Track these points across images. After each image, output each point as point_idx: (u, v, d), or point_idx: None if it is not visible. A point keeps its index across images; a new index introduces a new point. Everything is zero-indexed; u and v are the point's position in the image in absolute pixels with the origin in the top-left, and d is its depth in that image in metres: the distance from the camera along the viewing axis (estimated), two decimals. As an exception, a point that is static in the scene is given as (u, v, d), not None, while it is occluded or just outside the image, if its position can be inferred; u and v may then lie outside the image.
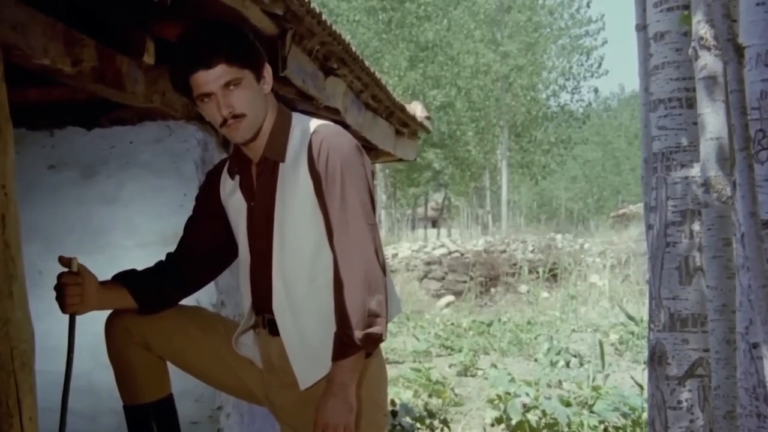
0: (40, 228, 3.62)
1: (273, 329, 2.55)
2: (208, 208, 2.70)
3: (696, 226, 2.74)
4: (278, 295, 2.51)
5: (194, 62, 2.35)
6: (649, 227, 2.94)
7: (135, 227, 3.67)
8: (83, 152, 3.78)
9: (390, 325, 10.37)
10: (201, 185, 2.78)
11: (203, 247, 2.71)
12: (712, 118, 2.48)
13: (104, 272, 3.68)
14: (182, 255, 2.73)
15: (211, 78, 2.35)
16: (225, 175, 2.65)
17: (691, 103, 2.73)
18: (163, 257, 2.75)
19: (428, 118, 6.77)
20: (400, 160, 7.06)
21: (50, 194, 3.73)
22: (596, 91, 42.24)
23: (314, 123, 2.54)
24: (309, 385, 2.51)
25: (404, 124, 6.36)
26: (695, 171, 2.72)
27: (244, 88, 2.38)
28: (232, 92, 2.37)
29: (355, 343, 2.36)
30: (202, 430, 3.54)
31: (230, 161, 2.63)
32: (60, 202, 3.73)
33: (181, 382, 3.41)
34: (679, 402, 2.74)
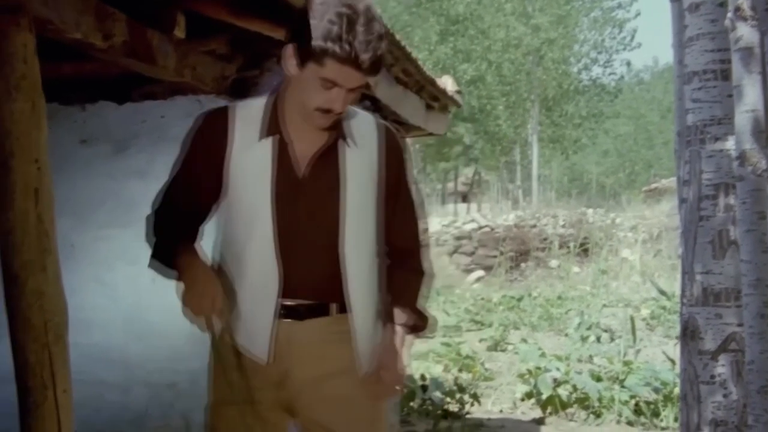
0: (73, 202, 3.65)
1: (304, 314, 2.45)
2: (209, 164, 2.42)
3: (730, 200, 2.70)
4: (352, 278, 2.44)
5: (351, 60, 2.22)
6: (682, 201, 2.91)
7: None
8: (115, 127, 3.80)
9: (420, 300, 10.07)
10: (195, 138, 2.46)
11: (198, 210, 2.51)
12: (748, 90, 2.44)
13: (134, 246, 3.70)
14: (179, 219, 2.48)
15: (350, 79, 2.27)
16: (237, 130, 2.41)
17: (726, 75, 2.69)
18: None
19: (459, 92, 6.73)
20: (431, 134, 7.05)
21: (82, 168, 3.76)
22: (629, 64, 41.89)
23: (365, 110, 2.57)
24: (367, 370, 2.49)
25: (435, 98, 6.34)
26: (730, 144, 2.69)
27: (356, 92, 2.34)
28: (349, 94, 2.31)
29: (425, 323, 2.60)
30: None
31: (269, 121, 2.42)
32: (92, 177, 3.75)
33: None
34: (712, 377, 2.72)
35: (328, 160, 2.42)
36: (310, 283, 2.44)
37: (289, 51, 2.29)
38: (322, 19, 2.20)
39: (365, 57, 2.22)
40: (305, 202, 2.41)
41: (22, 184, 1.98)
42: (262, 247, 2.39)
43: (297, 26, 2.27)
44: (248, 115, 2.41)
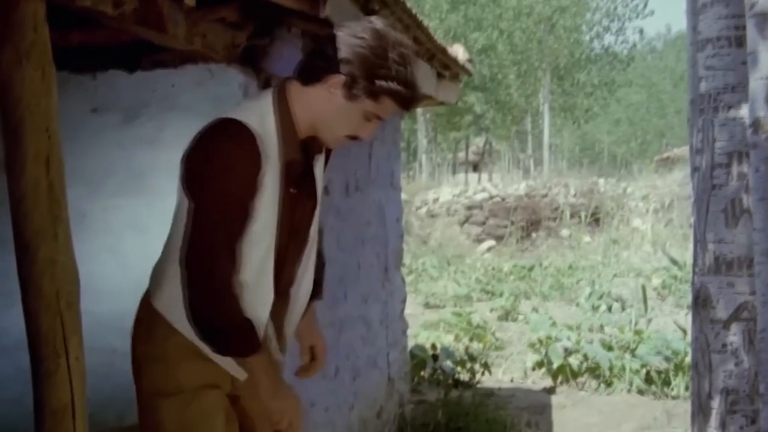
0: (83, 171, 3.65)
1: None
2: (253, 196, 2.30)
3: (743, 168, 2.69)
4: (308, 274, 2.58)
5: (410, 103, 2.32)
6: (694, 170, 2.89)
7: (176, 170, 3.66)
8: (125, 95, 3.78)
9: (431, 270, 10.48)
10: (247, 163, 2.25)
11: None
12: (763, 57, 2.41)
13: (144, 215, 3.71)
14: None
15: (393, 113, 2.36)
16: (263, 153, 2.29)
17: (740, 42, 2.66)
18: None
19: (470, 60, 6.69)
20: (441, 103, 7.01)
21: (93, 137, 3.75)
22: (641, 32, 41.36)
23: None
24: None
25: (445, 67, 6.29)
26: (743, 112, 2.67)
27: None
28: None
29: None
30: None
31: (288, 142, 2.35)
32: (102, 145, 3.74)
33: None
34: (724, 345, 2.72)
35: (306, 171, 2.45)
36: (283, 288, 2.49)
37: (338, 81, 2.26)
38: (385, 59, 2.22)
39: (419, 99, 2.34)
40: (295, 215, 2.42)
41: (33, 152, 1.97)
42: (263, 264, 2.37)
43: (350, 60, 2.24)
44: (266, 135, 2.29)
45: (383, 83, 2.23)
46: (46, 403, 2.02)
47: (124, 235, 3.75)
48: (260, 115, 2.31)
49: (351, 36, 2.25)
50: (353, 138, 2.38)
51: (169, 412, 2.38)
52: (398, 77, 2.23)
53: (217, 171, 2.22)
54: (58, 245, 2.01)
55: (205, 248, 2.22)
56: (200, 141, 2.27)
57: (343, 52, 2.24)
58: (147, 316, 2.41)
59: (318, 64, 2.28)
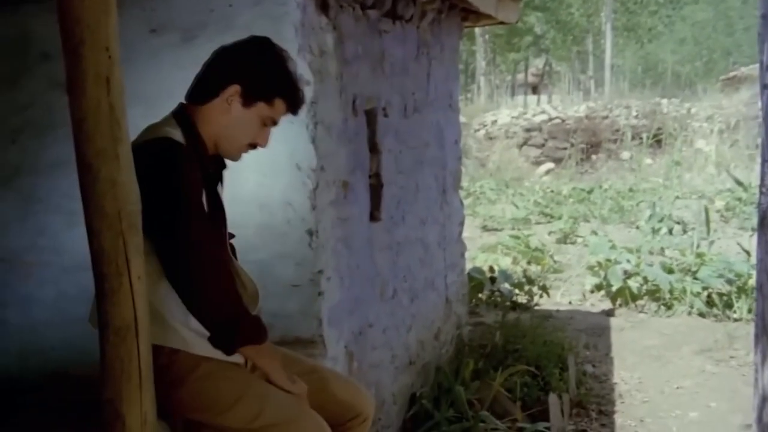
0: (143, 92, 3.64)
1: None
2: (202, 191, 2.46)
3: (816, 85, 2.60)
4: None
5: (297, 105, 2.54)
6: (764, 87, 2.81)
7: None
8: (183, 15, 3.75)
9: (489, 193, 10.43)
10: (187, 169, 2.37)
11: None
12: (841, -32, 2.32)
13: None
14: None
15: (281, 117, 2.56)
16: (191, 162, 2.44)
17: (817, -47, 2.56)
18: None
19: (531, -23, 6.54)
20: (501, 23, 6.89)
21: (151, 58, 3.74)
22: (709, -53, 40.04)
23: None
24: None
25: (506, -15, 6.17)
26: (818, 26, 2.57)
27: None
28: None
29: None
30: (302, 293, 3.58)
31: (205, 158, 2.51)
32: (161, 66, 3.73)
33: (280, 245, 3.47)
34: (790, 268, 2.67)
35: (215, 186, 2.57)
36: None
37: (234, 90, 2.46)
38: (273, 64, 2.48)
39: (305, 100, 2.59)
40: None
41: (93, 73, 1.97)
42: None
43: (242, 69, 2.48)
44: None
45: (275, 86, 2.47)
46: (109, 322, 2.05)
47: (185, 157, 3.76)
48: (176, 135, 2.42)
49: (237, 49, 2.53)
50: (253, 146, 2.55)
51: (246, 410, 2.40)
52: (287, 79, 2.49)
53: (168, 177, 2.30)
54: (119, 165, 2.02)
55: (201, 251, 2.28)
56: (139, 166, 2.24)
57: (234, 64, 2.50)
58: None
59: (210, 81, 2.50)
